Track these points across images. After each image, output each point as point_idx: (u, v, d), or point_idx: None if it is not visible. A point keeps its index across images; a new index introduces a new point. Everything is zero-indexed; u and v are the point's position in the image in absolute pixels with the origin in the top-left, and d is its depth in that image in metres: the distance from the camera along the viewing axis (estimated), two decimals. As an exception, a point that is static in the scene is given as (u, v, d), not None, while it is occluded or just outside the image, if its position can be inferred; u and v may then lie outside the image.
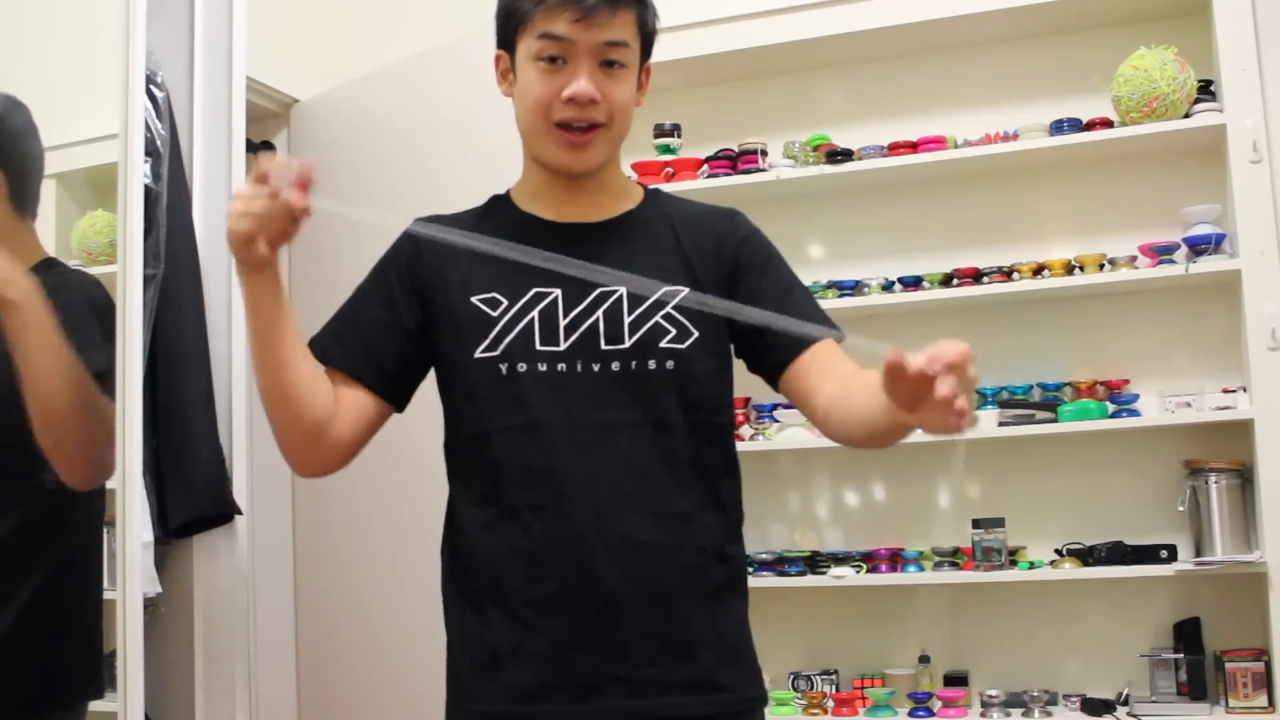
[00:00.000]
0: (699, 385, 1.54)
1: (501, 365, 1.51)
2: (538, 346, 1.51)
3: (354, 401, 1.55)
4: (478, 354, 1.52)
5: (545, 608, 1.48)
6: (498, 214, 1.63)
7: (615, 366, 1.51)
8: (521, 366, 1.50)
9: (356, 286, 1.64)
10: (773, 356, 1.59)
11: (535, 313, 1.52)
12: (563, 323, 1.51)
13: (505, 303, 1.52)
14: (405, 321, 1.58)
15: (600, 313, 1.52)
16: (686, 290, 1.53)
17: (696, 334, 1.53)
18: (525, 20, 1.51)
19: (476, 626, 1.52)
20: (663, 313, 1.52)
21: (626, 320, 1.51)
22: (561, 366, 1.50)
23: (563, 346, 1.51)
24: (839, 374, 1.54)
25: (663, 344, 1.52)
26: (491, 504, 1.52)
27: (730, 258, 1.60)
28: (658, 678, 1.47)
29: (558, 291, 1.52)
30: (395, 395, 1.59)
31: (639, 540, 1.47)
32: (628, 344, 1.51)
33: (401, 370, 1.59)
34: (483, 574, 1.52)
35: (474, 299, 1.54)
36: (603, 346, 1.51)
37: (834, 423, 1.52)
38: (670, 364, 1.52)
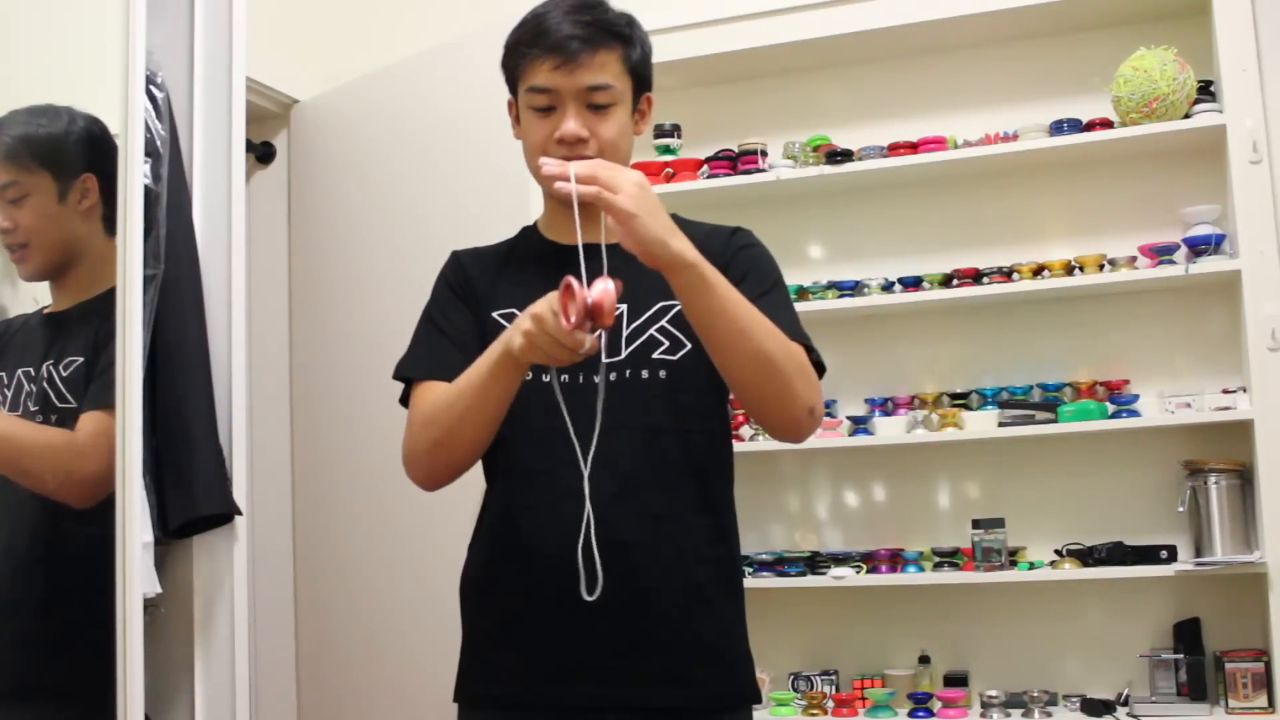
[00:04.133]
0: (691, 394, 1.63)
1: None
2: None
3: None
4: None
5: (529, 599, 1.60)
6: (524, 243, 1.79)
7: (612, 376, 1.61)
8: (528, 377, 1.59)
9: (424, 311, 1.76)
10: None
11: None
12: None
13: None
14: (473, 328, 1.71)
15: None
16: (680, 305, 1.59)
17: (689, 346, 1.62)
18: (517, 73, 1.67)
19: (475, 614, 1.67)
20: (657, 326, 1.63)
21: (624, 333, 1.62)
22: (564, 378, 1.61)
23: None
24: None
25: (655, 355, 1.62)
26: (495, 504, 1.68)
27: (722, 267, 1.64)
28: (627, 669, 1.57)
29: None
30: None
31: (619, 539, 1.55)
32: (623, 354, 1.62)
33: None
34: (481, 566, 1.68)
35: (495, 314, 1.69)
36: (602, 359, 1.60)
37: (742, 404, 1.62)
38: (662, 374, 1.62)
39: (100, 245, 2.18)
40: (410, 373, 1.71)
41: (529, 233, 1.80)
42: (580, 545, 1.54)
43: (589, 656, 1.57)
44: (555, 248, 1.70)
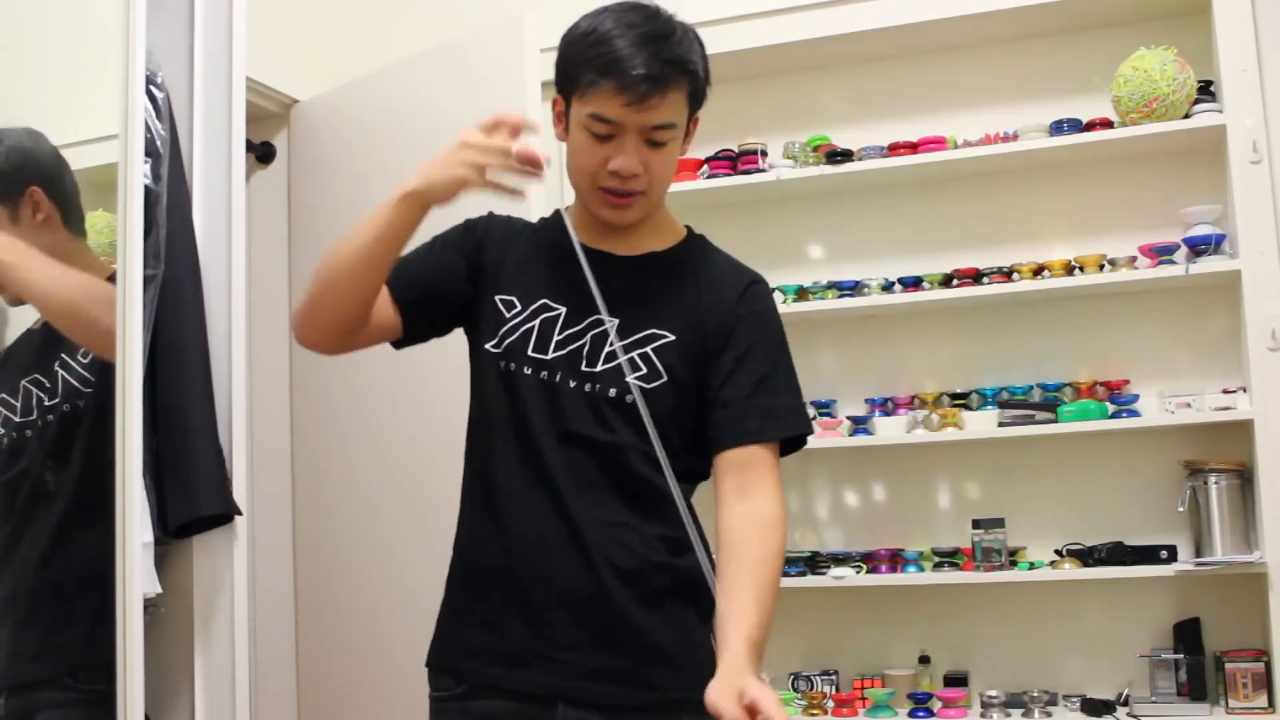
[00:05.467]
0: (659, 421, 1.59)
1: (501, 362, 1.66)
2: (529, 352, 1.65)
3: (381, 309, 1.68)
4: (487, 347, 1.68)
5: (497, 580, 1.63)
6: (550, 228, 1.75)
7: (586, 387, 1.63)
8: (511, 366, 1.65)
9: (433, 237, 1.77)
10: (709, 437, 1.65)
11: (537, 322, 1.66)
12: (556, 336, 1.65)
13: (518, 307, 1.68)
14: (457, 274, 1.72)
15: (589, 337, 1.64)
16: (672, 337, 1.63)
17: (665, 379, 1.63)
18: (579, 91, 1.61)
19: (453, 587, 1.71)
20: (640, 352, 1.63)
21: (606, 348, 1.63)
22: (544, 374, 1.64)
23: (549, 357, 1.65)
24: (746, 506, 1.59)
25: (630, 378, 1.62)
26: (479, 480, 1.69)
27: (728, 326, 1.67)
28: (579, 662, 1.59)
29: (562, 309, 1.66)
30: (411, 327, 1.71)
31: (583, 540, 1.60)
32: (598, 369, 1.63)
33: (431, 309, 1.72)
34: (462, 541, 1.71)
35: (498, 297, 1.70)
36: (582, 367, 1.63)
37: (719, 556, 1.58)
38: (628, 398, 1.62)
39: (72, 247, 2.17)
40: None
41: (556, 219, 1.74)
42: (551, 540, 1.60)
43: (543, 646, 1.60)
44: (582, 248, 1.67)
